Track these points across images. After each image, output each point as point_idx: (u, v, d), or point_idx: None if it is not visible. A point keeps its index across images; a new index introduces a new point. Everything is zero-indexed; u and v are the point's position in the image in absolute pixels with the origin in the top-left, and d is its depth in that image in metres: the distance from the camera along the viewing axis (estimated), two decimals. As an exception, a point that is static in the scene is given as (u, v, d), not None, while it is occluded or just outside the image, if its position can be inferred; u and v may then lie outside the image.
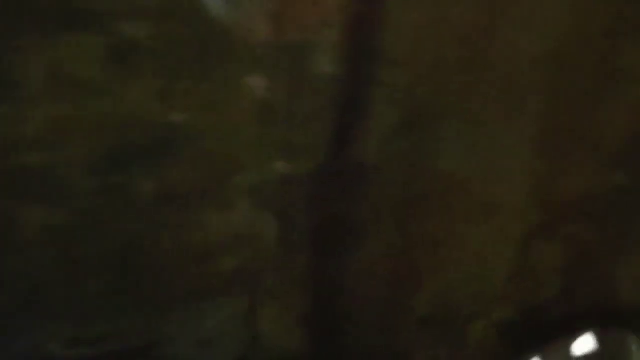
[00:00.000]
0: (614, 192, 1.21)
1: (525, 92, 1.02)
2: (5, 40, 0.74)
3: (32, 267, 0.89)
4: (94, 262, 0.92)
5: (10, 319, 0.91)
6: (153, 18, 0.78)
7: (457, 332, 1.28)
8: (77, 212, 0.88)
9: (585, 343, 1.52)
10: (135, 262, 0.98)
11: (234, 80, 0.84)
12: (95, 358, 1.00)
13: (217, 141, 0.91)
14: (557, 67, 1.03)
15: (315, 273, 1.10)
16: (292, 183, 0.98)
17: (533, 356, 1.47)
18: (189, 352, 1.15)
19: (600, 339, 1.52)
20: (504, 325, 1.32)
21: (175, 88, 0.83)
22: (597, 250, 1.30)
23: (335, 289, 1.12)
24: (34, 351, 0.94)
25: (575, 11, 1.00)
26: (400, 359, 1.30)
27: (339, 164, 0.98)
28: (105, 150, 0.85)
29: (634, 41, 1.08)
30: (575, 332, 1.46)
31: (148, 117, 0.85)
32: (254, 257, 1.07)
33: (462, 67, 0.93)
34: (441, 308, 1.25)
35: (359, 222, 1.06)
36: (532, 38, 0.98)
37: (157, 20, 0.77)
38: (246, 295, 1.14)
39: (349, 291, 1.15)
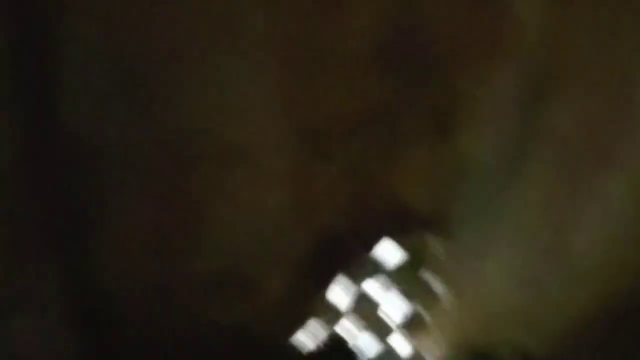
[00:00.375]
0: (378, 103, 1.15)
1: (248, 17, 0.90)
2: None
3: None
4: None
5: None
6: None
7: (252, 285, 1.20)
8: None
9: (386, 253, 1.51)
10: None
11: None
12: None
13: None
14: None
15: (65, 267, 0.96)
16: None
17: (340, 279, 1.44)
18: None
19: (400, 247, 1.52)
20: (300, 264, 1.26)
21: None
22: (374, 164, 1.26)
23: (94, 278, 0.99)
24: None
25: None
26: (199, 326, 1.21)
27: (47, 143, 0.82)
28: None
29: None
30: (373, 247, 1.44)
31: None
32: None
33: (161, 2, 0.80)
34: (228, 265, 1.16)
35: (98, 198, 0.92)
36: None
37: None
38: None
39: (114, 276, 1.02)
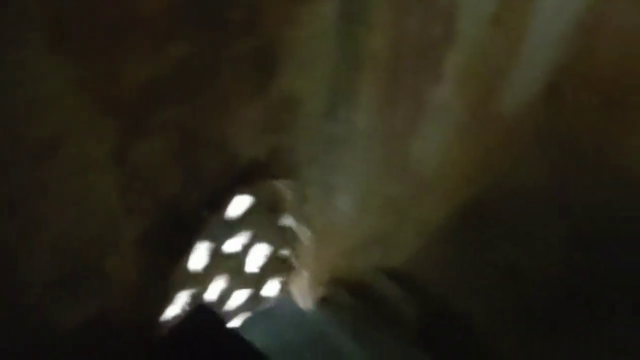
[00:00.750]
0: (180, 65, 1.10)
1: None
2: None
3: None
4: None
5: None
6: None
7: (99, 276, 1.15)
8: None
9: (238, 208, 1.50)
10: None
11: None
12: None
13: None
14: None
15: None
16: None
17: (197, 245, 1.42)
18: None
19: (251, 198, 1.50)
20: (143, 242, 1.21)
21: None
22: (203, 123, 1.22)
23: None
24: None
25: None
26: (50, 330, 1.14)
27: None
28: None
29: None
30: (223, 205, 1.42)
31: None
32: None
33: None
34: (68, 261, 1.09)
35: None
36: None
37: None
38: None
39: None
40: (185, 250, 1.37)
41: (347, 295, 1.73)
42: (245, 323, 1.65)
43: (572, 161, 2.17)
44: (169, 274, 1.35)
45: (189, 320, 1.27)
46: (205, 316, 1.28)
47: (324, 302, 1.71)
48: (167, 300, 1.42)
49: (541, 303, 1.90)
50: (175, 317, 1.47)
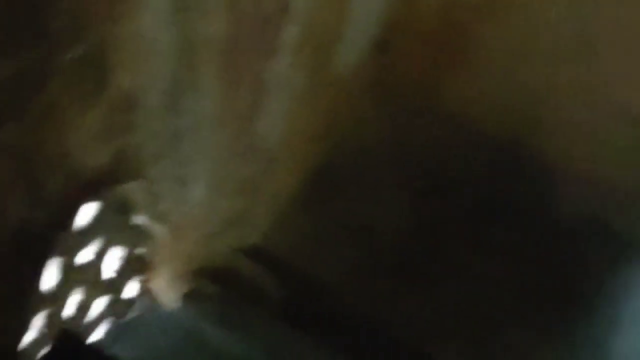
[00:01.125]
0: (5, 84, 0.99)
1: None
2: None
3: None
4: None
5: None
6: None
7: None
8: None
9: (87, 212, 1.41)
10: None
11: None
12: None
13: None
14: None
15: None
16: None
17: (49, 263, 1.32)
18: None
19: (101, 205, 1.42)
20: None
21: None
22: (37, 139, 1.12)
23: None
24: None
25: None
26: None
27: None
28: None
29: None
30: (72, 218, 1.33)
31: None
32: None
33: None
34: None
35: None
36: None
37: None
38: None
39: None
40: (36, 273, 1.28)
41: (210, 284, 1.70)
42: (113, 336, 1.57)
43: (406, 115, 2.26)
44: (22, 301, 1.25)
45: (52, 351, 1.19)
46: (68, 342, 1.20)
47: (188, 296, 1.67)
48: (23, 329, 1.32)
49: (397, 257, 1.99)
50: (32, 344, 1.37)
